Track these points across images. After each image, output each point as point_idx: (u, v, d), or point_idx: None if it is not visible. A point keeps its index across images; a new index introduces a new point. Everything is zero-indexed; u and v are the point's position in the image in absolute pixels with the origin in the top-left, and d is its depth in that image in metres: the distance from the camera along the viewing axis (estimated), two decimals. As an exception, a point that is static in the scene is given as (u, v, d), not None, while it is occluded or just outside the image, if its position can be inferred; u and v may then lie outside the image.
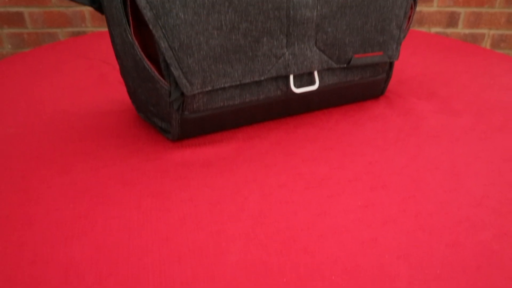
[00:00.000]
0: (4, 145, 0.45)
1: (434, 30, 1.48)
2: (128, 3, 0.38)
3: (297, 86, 0.46)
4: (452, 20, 1.47)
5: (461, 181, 0.39)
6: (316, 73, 0.46)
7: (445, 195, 0.37)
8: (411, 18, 0.53)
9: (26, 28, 1.47)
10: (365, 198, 0.37)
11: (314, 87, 0.46)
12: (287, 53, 0.43)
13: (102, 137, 0.46)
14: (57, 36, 1.49)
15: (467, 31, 1.48)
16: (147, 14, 0.36)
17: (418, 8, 1.44)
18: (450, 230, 0.33)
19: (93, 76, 0.65)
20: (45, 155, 0.43)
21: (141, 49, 0.41)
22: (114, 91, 0.59)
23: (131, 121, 0.50)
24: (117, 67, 0.69)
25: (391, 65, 0.53)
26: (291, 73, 0.44)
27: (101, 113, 0.52)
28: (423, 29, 1.48)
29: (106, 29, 1.51)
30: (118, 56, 0.45)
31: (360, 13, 0.46)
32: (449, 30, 1.48)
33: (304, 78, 0.46)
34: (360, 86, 0.52)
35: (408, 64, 0.72)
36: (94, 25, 1.48)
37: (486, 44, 1.50)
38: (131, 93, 0.47)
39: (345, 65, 0.48)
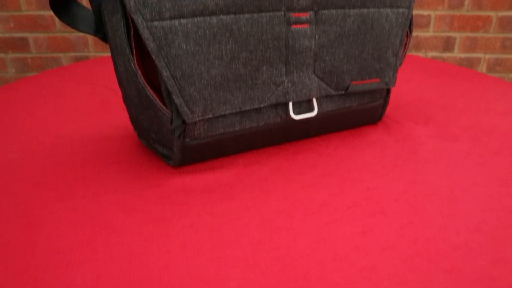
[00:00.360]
0: (7, 170, 0.46)
1: (430, 54, 1.51)
2: (132, 33, 0.40)
3: (296, 113, 0.47)
4: (448, 44, 1.49)
5: (459, 206, 0.40)
6: (314, 100, 0.47)
7: (443, 220, 0.38)
8: (407, 45, 0.55)
9: (30, 53, 1.50)
10: (364, 225, 0.37)
11: (313, 113, 0.47)
12: (286, 81, 0.45)
13: (104, 163, 0.47)
14: (60, 60, 1.52)
15: (463, 55, 1.51)
16: (150, 45, 0.37)
17: (414, 33, 1.47)
18: (448, 256, 0.33)
19: (95, 101, 0.66)
20: (47, 181, 0.44)
21: (143, 78, 0.42)
22: (116, 117, 0.60)
23: (133, 147, 0.51)
24: (119, 92, 0.71)
25: (388, 91, 0.54)
26: (290, 101, 0.45)
27: (103, 138, 0.53)
28: (420, 54, 1.51)
29: (108, 54, 1.53)
30: (121, 84, 0.46)
31: (357, 42, 0.47)
32: (446, 55, 1.51)
33: (303, 105, 0.47)
34: (358, 112, 0.53)
35: (405, 89, 0.73)
36: (97, 50, 1.51)
37: (482, 68, 1.52)
38: (133, 120, 0.48)
39: (343, 92, 0.49)
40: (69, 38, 1.48)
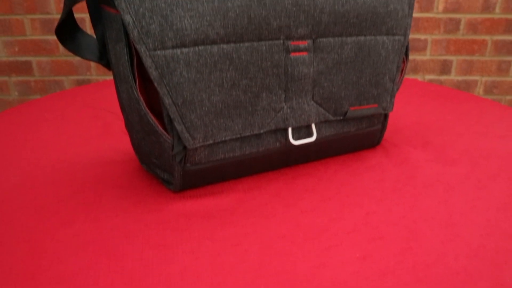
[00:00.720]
0: (9, 195, 0.46)
1: (428, 77, 1.53)
2: (135, 61, 0.41)
3: (295, 138, 0.48)
4: (445, 67, 1.52)
5: (458, 231, 0.40)
6: (313, 126, 0.48)
7: (442, 246, 0.38)
8: (403, 71, 0.56)
9: (34, 76, 1.52)
10: (363, 250, 0.37)
11: (312, 139, 0.48)
12: (285, 107, 0.45)
13: (105, 188, 0.47)
14: (62, 83, 1.54)
15: (460, 78, 1.53)
16: (153, 73, 0.38)
17: (412, 57, 1.50)
18: (448, 282, 0.33)
19: (97, 125, 0.67)
20: (49, 206, 0.44)
21: (145, 104, 0.43)
22: (118, 141, 0.61)
23: (134, 172, 0.51)
24: (121, 116, 0.72)
25: (386, 116, 0.55)
26: (289, 126, 0.46)
27: (105, 163, 0.54)
28: (418, 77, 1.53)
29: (110, 78, 1.55)
30: (123, 110, 0.47)
31: (355, 69, 0.48)
32: (443, 77, 1.53)
33: (302, 131, 0.48)
34: (356, 137, 0.53)
35: (403, 112, 0.74)
36: (99, 74, 1.53)
37: (479, 90, 1.54)
38: (135, 145, 0.49)
39: (341, 118, 0.50)
40: (72, 62, 1.51)
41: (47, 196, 0.46)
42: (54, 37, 1.48)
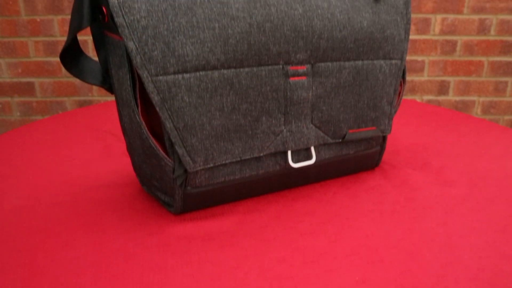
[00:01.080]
0: (10, 217, 0.46)
1: (426, 98, 1.54)
2: (137, 86, 0.42)
3: (295, 161, 0.48)
4: (442, 88, 1.54)
5: (457, 254, 0.40)
6: (312, 148, 0.49)
7: (441, 269, 0.38)
8: (401, 94, 0.57)
9: (36, 97, 1.54)
10: (363, 273, 0.37)
11: (311, 161, 0.49)
12: (285, 131, 0.46)
13: (106, 210, 0.48)
14: (64, 104, 1.55)
15: (457, 98, 1.55)
16: (155, 98, 0.39)
17: (410, 78, 1.52)
18: (448, 307, 0.33)
19: (99, 147, 0.68)
20: (50, 228, 0.44)
21: (147, 128, 0.44)
22: (119, 163, 0.61)
23: (135, 194, 0.51)
24: (122, 138, 0.72)
25: (384, 138, 0.56)
26: (289, 149, 0.47)
27: (106, 185, 0.54)
28: (416, 97, 1.54)
29: (111, 99, 1.57)
30: (125, 133, 0.47)
31: (353, 92, 0.49)
32: (441, 98, 1.54)
33: (302, 153, 0.49)
34: (355, 159, 0.54)
35: (402, 133, 0.75)
36: (100, 94, 1.54)
37: (477, 110, 1.56)
38: (136, 167, 0.49)
39: (340, 140, 0.51)
40: (73, 83, 1.52)
41: (48, 218, 0.46)
42: (57, 59, 1.51)
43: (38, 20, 1.46)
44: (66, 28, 1.46)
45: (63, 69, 1.52)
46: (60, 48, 1.49)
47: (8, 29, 1.46)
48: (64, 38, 1.48)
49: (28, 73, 1.51)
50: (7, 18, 1.45)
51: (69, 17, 1.46)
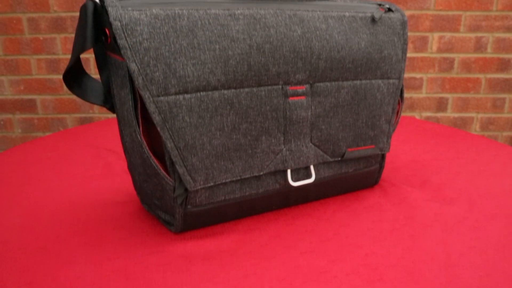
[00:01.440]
0: (10, 236, 0.46)
1: (425, 114, 1.55)
2: (139, 106, 0.42)
3: (294, 180, 0.49)
4: (441, 105, 1.55)
5: (457, 273, 0.40)
6: (312, 167, 0.49)
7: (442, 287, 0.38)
8: (399, 113, 0.58)
9: (37, 114, 1.55)
10: (363, 293, 0.37)
11: (311, 180, 0.49)
12: (284, 150, 0.47)
13: (106, 229, 0.48)
14: (65, 121, 1.56)
15: (456, 115, 1.56)
16: (156, 118, 0.40)
17: (408, 95, 1.53)
18: (448, 327, 0.33)
19: (99, 165, 0.68)
20: (50, 247, 0.44)
21: (148, 147, 0.44)
22: (119, 181, 0.61)
23: (135, 213, 0.52)
24: (123, 156, 0.73)
25: (383, 156, 0.56)
26: (288, 168, 0.47)
27: (106, 203, 0.54)
28: (415, 114, 1.55)
29: (112, 116, 1.58)
30: (126, 152, 0.48)
31: (351, 111, 0.50)
32: (439, 114, 1.55)
33: (301, 172, 0.49)
34: (354, 177, 0.54)
35: (401, 151, 0.75)
36: (101, 112, 1.56)
37: (476, 126, 1.57)
38: (137, 186, 0.50)
39: (339, 159, 0.51)
40: (75, 100, 1.54)
41: (48, 237, 0.46)
42: (59, 76, 1.52)
43: (41, 38, 1.48)
44: (69, 46, 1.48)
45: (65, 86, 1.53)
46: (62, 65, 1.51)
47: (12, 47, 1.48)
48: (67, 56, 1.50)
49: (30, 90, 1.52)
50: (11, 36, 1.48)
51: (71, 35, 1.48)
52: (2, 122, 1.56)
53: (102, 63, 0.46)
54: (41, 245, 0.45)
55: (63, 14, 1.46)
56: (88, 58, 1.50)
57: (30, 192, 0.58)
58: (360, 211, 0.52)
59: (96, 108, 1.55)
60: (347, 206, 0.53)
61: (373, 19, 0.50)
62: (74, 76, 0.45)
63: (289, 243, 0.45)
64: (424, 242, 0.45)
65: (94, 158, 0.72)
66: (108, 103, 0.47)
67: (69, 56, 1.49)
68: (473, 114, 1.55)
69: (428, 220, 0.50)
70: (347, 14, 0.49)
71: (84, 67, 1.51)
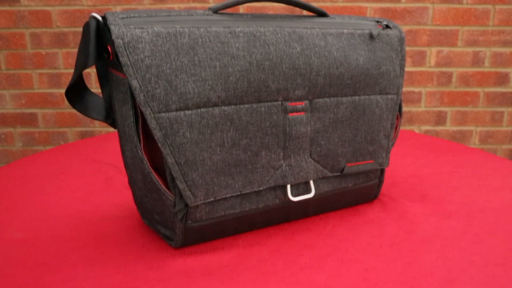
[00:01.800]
0: (10, 250, 0.46)
1: (424, 128, 1.56)
2: (140, 122, 0.43)
3: (294, 195, 0.49)
4: (440, 118, 1.56)
5: (457, 289, 0.40)
6: (311, 182, 0.50)
7: (442, 304, 0.38)
8: (397, 127, 0.58)
9: (38, 128, 1.55)
10: (363, 308, 0.37)
11: (310, 195, 0.49)
12: (284, 165, 0.47)
13: (107, 244, 0.48)
14: (66, 135, 1.57)
15: (455, 128, 1.56)
16: (157, 134, 0.40)
17: (407, 108, 1.54)
18: None
19: (100, 179, 0.68)
20: (50, 262, 0.44)
21: (149, 163, 0.45)
22: (120, 196, 0.62)
23: (136, 227, 0.52)
24: (123, 170, 0.73)
25: (382, 171, 0.57)
26: (288, 183, 0.48)
27: (106, 218, 0.54)
28: (414, 128, 1.56)
29: (113, 130, 1.58)
30: (127, 167, 0.48)
31: (351, 127, 0.51)
32: (438, 128, 1.56)
33: (301, 187, 0.49)
34: (354, 191, 0.55)
35: (400, 165, 0.75)
36: (102, 126, 1.56)
37: (475, 139, 1.57)
38: (137, 201, 0.50)
39: (339, 174, 0.51)
40: (76, 114, 1.55)
41: (49, 252, 0.46)
42: (60, 91, 1.53)
43: (43, 53, 1.50)
44: (70, 61, 1.50)
45: (66, 101, 1.54)
46: (63, 80, 1.52)
47: (14, 62, 1.50)
48: (68, 71, 1.51)
49: (31, 104, 1.53)
50: (14, 51, 1.49)
51: (73, 50, 1.50)
52: (3, 136, 1.57)
53: (104, 79, 0.46)
54: (41, 260, 0.45)
55: (65, 30, 1.48)
56: (90, 72, 1.52)
57: (30, 206, 0.58)
58: (359, 226, 0.52)
59: (97, 122, 1.56)
60: (346, 221, 0.53)
61: (371, 36, 0.51)
62: (76, 92, 0.46)
63: (289, 258, 0.45)
64: (424, 257, 0.45)
65: (95, 172, 0.72)
66: (110, 118, 0.48)
67: (70, 71, 1.51)
68: (472, 128, 1.56)
69: (427, 234, 0.50)
70: (345, 31, 0.50)
71: (85, 81, 1.52)
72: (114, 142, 0.91)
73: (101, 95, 1.54)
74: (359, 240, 0.49)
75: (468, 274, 0.42)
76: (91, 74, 1.52)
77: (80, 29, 1.48)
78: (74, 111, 1.54)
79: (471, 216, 0.55)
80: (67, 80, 1.52)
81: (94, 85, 1.53)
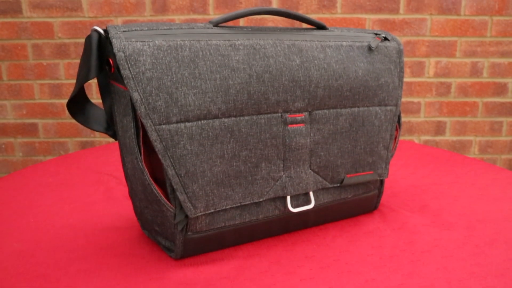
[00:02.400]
0: (10, 262, 0.46)
1: (424, 138, 1.57)
2: (141, 134, 0.43)
3: (294, 206, 0.49)
4: (439, 128, 1.56)
5: (457, 301, 0.40)
6: (311, 193, 0.50)
7: (442, 316, 0.38)
8: (397, 139, 0.58)
9: (39, 138, 1.56)
10: (363, 320, 0.37)
11: (310, 206, 0.49)
12: (284, 176, 0.47)
13: (107, 255, 0.48)
14: (66, 145, 1.57)
15: (454, 138, 1.57)
16: (158, 146, 0.40)
17: (407, 119, 1.54)
18: None
19: (100, 190, 0.69)
20: (50, 273, 0.44)
21: (149, 174, 0.45)
22: (120, 207, 0.62)
23: (136, 238, 0.52)
24: (123, 181, 0.73)
25: (382, 181, 0.57)
26: (288, 194, 0.48)
27: (106, 229, 0.54)
28: (413, 138, 1.57)
29: (113, 141, 1.59)
30: (127, 178, 0.48)
31: (350, 138, 0.51)
32: (438, 138, 1.57)
33: (301, 198, 0.50)
34: (353, 202, 0.55)
35: (400, 175, 0.76)
36: (102, 136, 1.57)
37: (475, 149, 1.57)
38: (138, 212, 0.50)
39: (338, 185, 0.52)
40: (76, 124, 1.55)
41: (48, 263, 0.46)
42: (61, 101, 1.54)
43: (45, 64, 1.51)
44: (72, 71, 1.51)
45: (67, 111, 1.55)
46: (64, 90, 1.53)
47: (16, 73, 1.51)
48: (69, 81, 1.52)
49: (32, 114, 1.54)
50: (15, 62, 1.50)
51: (74, 61, 1.51)
52: (3, 146, 1.57)
53: (105, 91, 0.47)
54: (41, 271, 0.45)
55: (67, 41, 1.49)
56: (90, 83, 1.52)
57: (30, 217, 0.59)
58: (359, 237, 0.52)
59: (97, 132, 1.56)
60: (346, 232, 0.53)
61: (369, 48, 0.52)
62: (77, 104, 0.46)
63: (289, 270, 0.45)
64: (424, 268, 0.45)
65: (95, 183, 0.72)
66: (110, 130, 0.48)
67: (71, 81, 1.52)
68: (471, 138, 1.56)
69: (427, 245, 0.50)
70: (344, 43, 0.50)
71: (86, 92, 1.53)
72: (115, 153, 0.92)
73: (101, 105, 1.54)
74: (359, 251, 0.49)
75: (468, 286, 0.42)
76: (91, 85, 1.53)
77: (81, 40, 1.49)
78: (74, 121, 1.54)
79: (471, 227, 0.55)
80: (68, 91, 1.52)
81: (94, 96, 1.54)
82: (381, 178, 0.55)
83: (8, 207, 0.62)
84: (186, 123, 0.41)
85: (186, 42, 0.41)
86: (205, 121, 0.42)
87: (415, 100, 1.54)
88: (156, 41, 0.40)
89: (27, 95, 1.53)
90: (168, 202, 0.43)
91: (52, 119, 1.54)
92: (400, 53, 0.55)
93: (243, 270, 0.45)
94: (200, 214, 0.43)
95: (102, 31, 0.42)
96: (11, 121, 1.55)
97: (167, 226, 0.45)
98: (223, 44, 0.43)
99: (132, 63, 0.39)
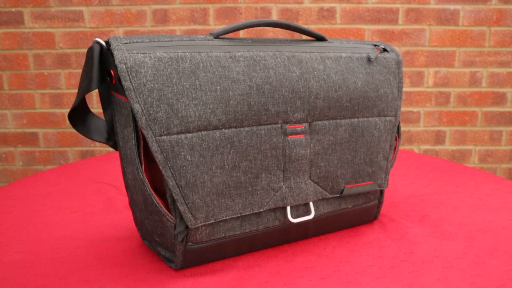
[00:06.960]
0: (9, 272, 0.46)
1: (423, 147, 1.57)
2: (142, 145, 0.43)
3: (294, 216, 0.49)
4: (439, 138, 1.56)
5: (457, 312, 0.40)
6: (311, 204, 0.50)
7: (443, 327, 0.38)
8: (396, 149, 0.59)
9: (39, 147, 1.56)
10: (364, 332, 0.37)
11: (310, 216, 0.49)
12: (284, 187, 0.47)
13: (106, 265, 0.48)
14: (66, 154, 1.57)
15: (454, 147, 1.57)
16: (158, 156, 0.41)
17: (406, 128, 1.55)
18: None
19: (100, 200, 0.69)
20: (49, 284, 0.44)
21: (150, 184, 0.45)
22: (120, 217, 0.62)
23: (136, 249, 0.52)
24: (124, 191, 0.73)
25: (381, 192, 0.57)
26: (288, 205, 0.48)
27: (106, 239, 0.54)
28: (413, 147, 1.57)
29: (113, 150, 1.59)
30: (128, 189, 0.48)
31: (350, 148, 0.51)
32: (438, 147, 1.57)
33: (301, 208, 0.50)
34: (353, 212, 0.55)
35: (400, 185, 0.76)
36: (102, 145, 1.57)
37: (474, 159, 1.58)
38: (138, 222, 0.50)
39: (338, 195, 0.52)
40: (76, 134, 1.55)
41: (48, 274, 0.46)
42: (62, 110, 1.55)
43: (46, 73, 1.51)
44: (72, 81, 1.52)
45: (67, 120, 1.55)
46: (65, 100, 1.53)
47: (17, 82, 1.52)
48: (70, 91, 1.53)
49: (33, 123, 1.55)
50: (17, 71, 1.51)
51: (76, 71, 1.51)
52: (3, 155, 1.57)
53: (106, 102, 0.47)
54: (40, 282, 0.45)
55: (68, 51, 1.50)
56: (91, 93, 1.53)
57: (30, 227, 0.59)
58: (359, 247, 0.52)
59: (98, 142, 1.56)
60: (346, 242, 0.53)
61: (369, 59, 0.52)
62: (78, 115, 0.47)
63: (289, 281, 0.45)
64: (424, 278, 0.45)
65: (95, 193, 0.72)
66: (111, 140, 0.48)
67: (72, 91, 1.52)
68: (471, 147, 1.57)
69: (428, 256, 0.50)
70: (343, 54, 0.51)
71: (87, 102, 1.53)
72: (115, 163, 0.92)
73: (102, 116, 1.55)
74: (359, 262, 0.49)
75: (468, 297, 0.42)
76: (92, 95, 1.53)
77: (82, 50, 1.50)
78: (75, 130, 1.55)
79: (471, 237, 0.55)
80: (68, 100, 1.53)
81: (95, 106, 1.54)
82: (381, 188, 0.56)
83: (8, 217, 0.62)
84: (187, 134, 0.41)
85: (187, 53, 0.42)
86: (205, 132, 0.42)
87: (415, 109, 1.55)
88: (157, 53, 0.41)
89: (28, 104, 1.53)
90: (168, 213, 0.43)
91: (52, 128, 1.55)
92: (399, 64, 0.55)
93: (243, 281, 0.45)
94: (200, 224, 0.43)
95: (103, 43, 0.43)
96: (12, 130, 1.55)
97: (167, 236, 0.45)
98: (224, 56, 0.43)
99: (134, 74, 0.40)
